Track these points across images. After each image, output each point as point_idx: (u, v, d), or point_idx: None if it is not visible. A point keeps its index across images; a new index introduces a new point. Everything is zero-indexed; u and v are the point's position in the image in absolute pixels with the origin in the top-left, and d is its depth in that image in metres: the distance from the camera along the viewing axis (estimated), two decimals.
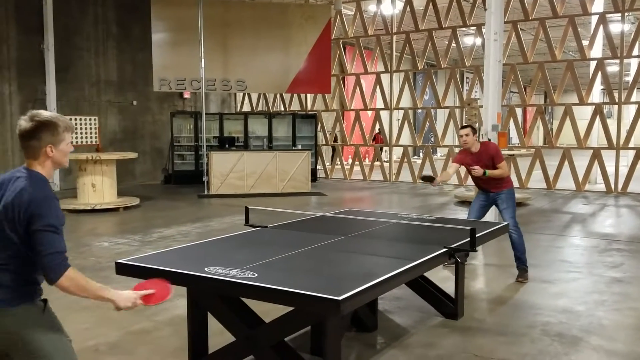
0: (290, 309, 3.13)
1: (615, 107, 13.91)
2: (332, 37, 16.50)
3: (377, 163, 16.83)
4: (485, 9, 9.06)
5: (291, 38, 15.42)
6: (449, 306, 4.71)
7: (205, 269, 3.14)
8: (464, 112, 15.64)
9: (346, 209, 7.65)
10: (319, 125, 17.38)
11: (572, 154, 13.92)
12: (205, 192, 12.82)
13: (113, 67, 15.25)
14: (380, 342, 4.23)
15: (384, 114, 16.86)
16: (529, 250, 6.15)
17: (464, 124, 6.91)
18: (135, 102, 15.77)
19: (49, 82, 13.43)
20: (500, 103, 9.28)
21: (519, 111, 22.96)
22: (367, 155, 21.95)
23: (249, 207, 4.71)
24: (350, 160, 18.75)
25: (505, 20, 11.08)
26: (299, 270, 3.39)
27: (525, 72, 25.50)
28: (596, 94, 15.85)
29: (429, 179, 5.74)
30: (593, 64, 14.21)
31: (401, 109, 16.63)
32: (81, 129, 12.28)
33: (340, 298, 2.67)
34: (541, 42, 14.91)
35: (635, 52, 14.05)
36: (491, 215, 6.99)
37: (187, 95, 17.05)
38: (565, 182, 14.21)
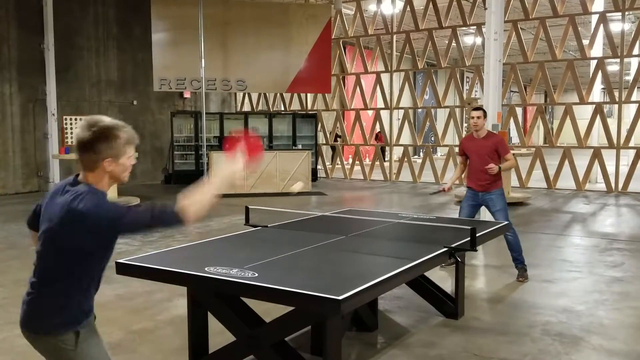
0: (291, 308, 3.13)
1: (616, 106, 13.91)
2: (332, 37, 16.50)
3: (376, 163, 16.84)
4: (485, 9, 9.06)
5: (291, 37, 15.42)
6: (449, 306, 4.70)
7: (206, 268, 3.14)
8: (464, 112, 15.66)
9: (346, 208, 7.65)
10: (319, 124, 17.39)
11: (572, 153, 13.91)
12: None
13: (113, 67, 15.26)
14: (381, 342, 4.23)
15: (384, 114, 16.86)
16: (530, 249, 6.15)
17: (477, 106, 6.64)
18: (135, 102, 15.78)
19: (49, 82, 13.43)
20: (500, 102, 9.28)
21: (519, 110, 23.01)
22: (367, 155, 21.94)
23: (249, 206, 4.71)
24: (350, 160, 18.75)
25: (506, 19, 11.07)
26: (299, 269, 3.39)
27: (525, 71, 25.47)
28: (596, 94, 15.86)
29: (440, 190, 5.83)
30: (593, 63, 14.21)
31: (401, 108, 16.63)
32: None
33: (340, 298, 2.67)
34: (541, 42, 14.90)
35: (635, 52, 14.05)
36: (484, 217, 6.98)
37: (187, 95, 17.05)
38: (566, 181, 14.20)
